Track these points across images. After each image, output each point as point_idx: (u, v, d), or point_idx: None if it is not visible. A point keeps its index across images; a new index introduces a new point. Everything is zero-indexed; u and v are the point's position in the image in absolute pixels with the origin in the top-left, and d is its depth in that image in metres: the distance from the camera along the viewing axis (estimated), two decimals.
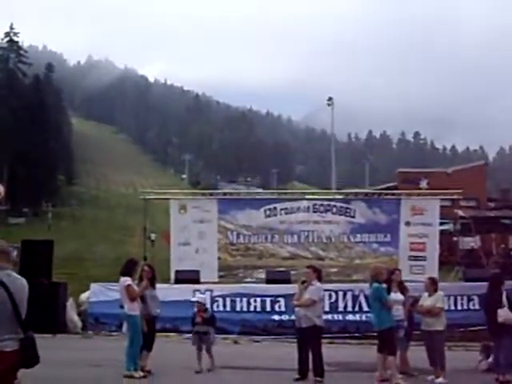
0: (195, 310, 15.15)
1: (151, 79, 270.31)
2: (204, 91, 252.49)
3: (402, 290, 14.25)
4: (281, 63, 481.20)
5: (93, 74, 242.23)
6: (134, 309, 13.36)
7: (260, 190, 51.15)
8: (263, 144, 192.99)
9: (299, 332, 13.29)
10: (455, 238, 44.98)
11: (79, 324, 22.30)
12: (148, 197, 29.53)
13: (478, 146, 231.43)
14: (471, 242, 47.76)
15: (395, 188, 52.55)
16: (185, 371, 14.38)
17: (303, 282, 13.37)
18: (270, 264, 27.48)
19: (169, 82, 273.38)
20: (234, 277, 27.61)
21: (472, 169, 67.47)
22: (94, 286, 23.44)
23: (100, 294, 22.84)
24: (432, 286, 13.84)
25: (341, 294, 22.86)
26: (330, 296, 22.28)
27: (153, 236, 66.87)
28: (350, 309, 22.86)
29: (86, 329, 22.13)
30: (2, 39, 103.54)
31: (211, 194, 30.80)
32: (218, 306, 21.99)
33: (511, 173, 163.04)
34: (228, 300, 22.66)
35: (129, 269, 13.75)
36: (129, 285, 13.41)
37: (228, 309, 22.40)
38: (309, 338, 12.97)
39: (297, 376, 13.16)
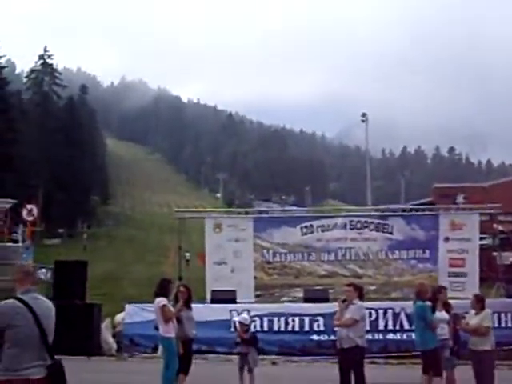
0: (238, 330, 15.04)
1: (184, 99, 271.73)
2: (237, 110, 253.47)
3: (447, 308, 13.75)
4: (313, 80, 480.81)
5: (127, 95, 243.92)
6: (169, 331, 12.89)
7: (295, 208, 50.60)
8: (297, 162, 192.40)
9: (341, 353, 12.70)
10: (494, 253, 44.41)
11: (114, 346, 21.96)
12: (183, 216, 29.25)
13: None
14: (510, 256, 47.08)
15: (431, 203, 51.99)
16: None
17: (344, 301, 12.87)
18: (307, 282, 27.13)
19: (202, 102, 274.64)
20: (271, 296, 27.28)
21: (509, 183, 66.58)
22: (128, 306, 23.07)
23: (135, 314, 22.50)
24: (478, 303, 13.33)
25: (381, 312, 22.27)
26: (370, 314, 21.54)
27: (187, 255, 66.75)
28: (390, 327, 22.29)
29: (121, 351, 21.81)
30: (37, 62, 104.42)
31: (246, 213, 30.44)
32: (255, 326, 21.33)
33: None
34: (265, 320, 22.19)
35: (163, 289, 13.24)
36: (164, 305, 12.90)
37: (265, 329, 21.89)
38: (351, 360, 12.47)
39: None
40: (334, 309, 21.69)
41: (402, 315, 21.94)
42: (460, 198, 57.36)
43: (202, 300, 24.58)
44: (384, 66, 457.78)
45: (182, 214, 29.54)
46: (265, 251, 27.55)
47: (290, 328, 22.01)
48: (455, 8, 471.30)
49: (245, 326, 14.94)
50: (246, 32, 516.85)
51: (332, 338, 21.26)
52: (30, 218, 24.63)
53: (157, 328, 13.27)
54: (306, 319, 22.11)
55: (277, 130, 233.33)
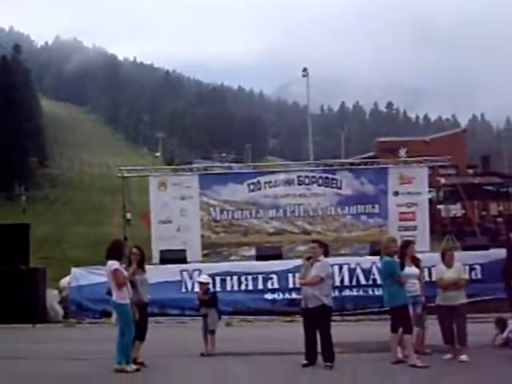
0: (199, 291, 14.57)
1: (120, 58, 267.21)
2: (174, 68, 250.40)
3: (417, 263, 13.18)
4: (251, 37, 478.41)
5: (61, 54, 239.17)
6: (123, 297, 11.96)
7: (241, 165, 50.03)
8: (236, 119, 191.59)
9: (306, 313, 12.05)
10: (439, 206, 44.53)
11: (61, 312, 21.02)
12: (126, 174, 28.33)
13: (451, 115, 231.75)
14: (454, 209, 47.31)
15: (374, 157, 51.84)
16: (181, 360, 13.31)
17: (308, 259, 12.23)
18: (255, 240, 26.78)
19: (138, 60, 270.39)
20: (219, 255, 26.83)
21: (451, 136, 67.03)
22: (74, 270, 22.09)
23: (81, 278, 21.58)
24: (452, 258, 12.89)
25: (336, 268, 21.39)
26: None
27: (128, 215, 65.88)
28: (346, 283, 21.83)
29: (68, 316, 20.91)
30: None
31: (191, 170, 29.61)
32: None
33: (485, 140, 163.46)
34: (218, 279, 21.46)
35: (116, 251, 12.27)
36: (116, 269, 11.98)
37: (218, 289, 20.92)
38: (317, 320, 11.83)
39: (305, 361, 11.98)
40: (287, 266, 21.46)
41: (358, 270, 21.44)
42: (402, 152, 57.53)
43: (149, 260, 23.88)
44: (322, 22, 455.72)
45: (125, 172, 28.45)
46: (211, 209, 27.04)
47: (243, 287, 21.35)
48: None
49: (205, 286, 14.36)
50: None
51: (287, 296, 20.91)
52: None
53: (109, 293, 12.32)
54: (260, 277, 21.49)
55: (215, 87, 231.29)
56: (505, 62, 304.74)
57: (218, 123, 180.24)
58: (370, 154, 65.14)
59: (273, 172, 28.04)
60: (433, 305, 13.15)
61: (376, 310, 19.64)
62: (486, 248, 22.65)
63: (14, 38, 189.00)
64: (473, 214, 48.89)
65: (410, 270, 12.69)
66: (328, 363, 11.71)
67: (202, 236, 26.71)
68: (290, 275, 21.14)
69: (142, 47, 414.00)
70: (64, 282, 22.38)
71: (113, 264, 12.03)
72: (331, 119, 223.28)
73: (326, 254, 12.29)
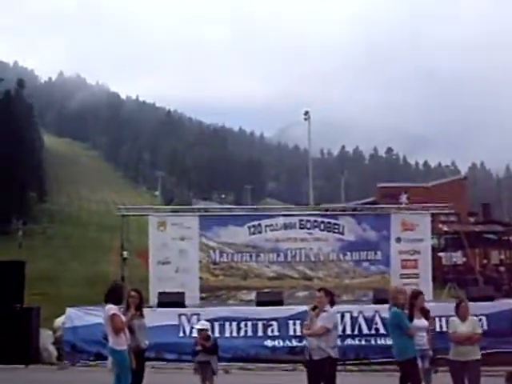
0: (197, 337, 14.03)
1: (123, 96, 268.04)
2: (176, 108, 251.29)
3: (425, 315, 12.70)
4: (253, 80, 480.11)
5: (64, 90, 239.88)
6: (120, 343, 11.41)
7: (242, 207, 49.70)
8: (236, 161, 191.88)
9: (310, 365, 11.55)
10: (440, 254, 44.10)
11: (54, 353, 20.35)
12: (126, 213, 27.95)
13: (450, 162, 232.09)
14: (454, 257, 46.83)
15: (375, 203, 51.53)
16: None
17: (314, 308, 11.78)
18: (254, 284, 26.31)
19: (141, 99, 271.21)
20: (217, 298, 26.32)
21: (451, 183, 66.84)
22: (69, 310, 21.39)
23: (76, 318, 20.95)
24: (467, 310, 12.44)
25: (338, 316, 20.81)
26: None
27: (125, 254, 65.38)
28: (348, 332, 21.20)
29: (61, 358, 20.29)
30: None
31: (192, 210, 29.20)
32: None
33: (484, 188, 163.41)
34: (216, 325, 20.72)
35: (115, 295, 11.78)
36: (114, 314, 11.46)
37: (217, 334, 20.13)
38: (322, 372, 11.34)
39: None
40: (288, 313, 20.94)
41: (361, 319, 20.85)
42: (403, 198, 57.07)
43: (146, 302, 23.42)
44: (324, 67, 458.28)
45: (124, 211, 28.08)
46: (211, 251, 26.58)
47: (242, 333, 20.72)
48: (400, 8, 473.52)
49: (205, 333, 13.88)
50: (185, 29, 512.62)
51: (287, 343, 20.35)
52: None
53: (106, 338, 11.78)
54: (260, 324, 20.88)
55: (216, 128, 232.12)
56: (506, 109, 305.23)
57: (217, 164, 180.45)
58: (371, 199, 64.78)
59: (274, 215, 27.62)
60: (440, 357, 12.70)
61: (379, 360, 19.14)
62: (491, 298, 22.10)
63: (18, 72, 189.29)
64: (474, 263, 48.50)
65: (419, 322, 12.23)
66: None
67: (201, 278, 26.26)
68: (291, 322, 20.63)
69: (145, 86, 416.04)
70: (58, 322, 21.72)
71: (110, 309, 11.52)
72: (331, 163, 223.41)
73: (332, 304, 11.85)
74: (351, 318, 21.38)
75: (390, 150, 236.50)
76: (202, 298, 25.76)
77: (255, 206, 44.14)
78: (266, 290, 24.84)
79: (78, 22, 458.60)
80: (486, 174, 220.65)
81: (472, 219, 62.09)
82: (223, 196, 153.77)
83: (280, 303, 21.44)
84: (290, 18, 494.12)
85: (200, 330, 14.14)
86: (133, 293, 12.57)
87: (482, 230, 52.01)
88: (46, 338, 20.42)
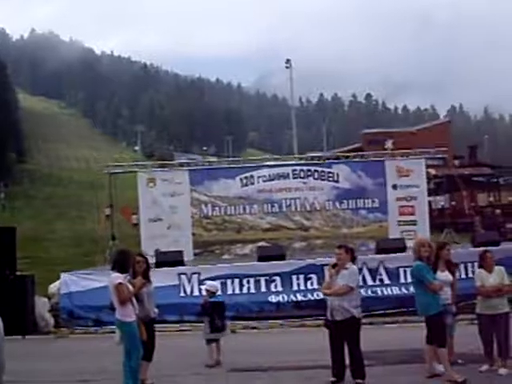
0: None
1: (98, 51, 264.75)
2: (152, 61, 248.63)
3: (451, 268, 11.92)
4: (227, 30, 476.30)
5: (37, 47, 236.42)
6: (128, 314, 10.40)
7: (232, 159, 48.94)
8: (215, 112, 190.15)
9: (333, 326, 10.76)
10: (429, 198, 43.59)
11: (51, 321, 19.38)
12: (113, 170, 27.11)
13: (429, 106, 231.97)
14: (441, 201, 46.46)
15: (360, 150, 50.86)
16: (192, 378, 12.11)
17: (334, 266, 11.00)
18: (249, 237, 25.92)
19: (116, 54, 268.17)
20: (211, 254, 25.78)
21: (436, 127, 66.22)
22: (64, 276, 20.40)
23: (72, 284, 19.94)
24: (492, 260, 11.72)
25: None
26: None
27: (107, 211, 64.54)
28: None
29: (59, 326, 19.45)
30: None
31: (181, 165, 28.30)
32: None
33: (465, 131, 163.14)
34: (218, 282, 19.97)
35: (122, 264, 10.68)
36: (120, 284, 10.39)
37: (219, 292, 19.66)
38: (346, 333, 10.58)
39: (332, 378, 10.69)
40: (291, 267, 20.24)
41: (365, 270, 20.04)
42: (389, 144, 56.56)
43: None
44: (301, 14, 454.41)
45: (112, 168, 27.24)
46: (203, 205, 25.93)
47: (245, 290, 19.91)
48: None
49: (212, 294, 13.27)
50: None
51: (292, 298, 19.64)
52: None
53: (112, 308, 10.75)
54: (262, 280, 20.11)
55: (193, 80, 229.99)
56: (484, 56, 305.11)
57: (196, 116, 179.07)
58: (356, 145, 64.17)
59: (266, 166, 26.93)
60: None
61: (386, 312, 18.53)
62: (497, 243, 21.35)
63: None
64: (463, 206, 48.12)
65: (443, 275, 11.38)
66: (359, 380, 10.50)
67: (194, 234, 25.69)
68: (295, 277, 19.89)
69: (119, 40, 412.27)
70: (53, 288, 20.74)
71: (116, 277, 10.49)
72: (310, 111, 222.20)
73: (353, 261, 11.05)
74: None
75: (369, 95, 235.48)
76: (195, 254, 25.14)
77: (244, 158, 43.22)
78: (264, 244, 24.30)
79: None
80: (465, 117, 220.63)
81: (457, 162, 61.74)
82: (205, 148, 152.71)
83: (282, 257, 20.64)
84: None
85: (206, 291, 13.51)
86: (139, 258, 11.59)
87: (472, 172, 51.62)
88: (41, 305, 19.41)
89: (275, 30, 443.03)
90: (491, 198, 51.10)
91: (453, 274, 11.77)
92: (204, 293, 14.15)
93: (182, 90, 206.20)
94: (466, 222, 37.76)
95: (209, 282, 15.08)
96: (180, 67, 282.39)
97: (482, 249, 14.10)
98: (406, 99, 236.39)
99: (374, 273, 20.01)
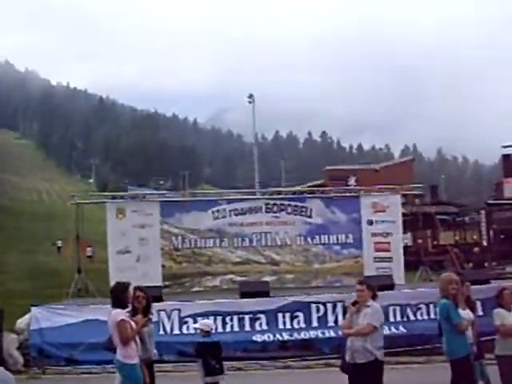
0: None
1: (53, 82, 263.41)
2: (108, 94, 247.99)
3: (471, 305, 11.30)
4: (186, 66, 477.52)
5: None
6: (131, 355, 9.43)
7: (207, 191, 48.48)
8: (170, 147, 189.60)
9: (354, 369, 9.91)
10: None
11: (20, 359, 18.14)
12: (80, 201, 26.45)
13: (384, 145, 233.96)
14: (404, 239, 46.25)
15: (323, 186, 50.64)
16: None
17: (354, 304, 10.28)
18: (219, 270, 25.36)
19: (72, 86, 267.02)
20: (180, 286, 25.18)
21: (400, 165, 66.58)
22: (34, 310, 19.07)
23: (43, 319, 18.74)
24: (510, 298, 11.11)
25: (329, 306, 19.05)
26: (318, 309, 19.00)
27: (59, 243, 63.28)
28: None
29: (28, 365, 18.16)
30: None
31: (144, 197, 27.49)
32: (188, 329, 18.46)
33: (419, 171, 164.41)
34: (199, 320, 18.70)
35: (121, 297, 9.78)
36: (122, 320, 9.45)
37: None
38: (368, 377, 9.75)
39: None
40: (277, 304, 19.38)
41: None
42: (352, 181, 56.64)
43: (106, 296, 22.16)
44: (256, 53, 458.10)
45: (78, 199, 26.66)
46: (173, 237, 25.36)
47: (228, 328, 18.92)
48: None
49: (206, 334, 12.36)
50: (120, 15, 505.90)
51: (278, 337, 18.72)
52: None
53: (109, 348, 9.86)
54: (246, 317, 19.13)
55: (149, 114, 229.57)
56: (438, 98, 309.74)
57: (152, 151, 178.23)
58: (318, 182, 64.05)
59: (239, 199, 26.41)
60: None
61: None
62: (487, 281, 20.78)
63: None
64: (426, 244, 48.13)
65: (465, 313, 10.71)
66: None
67: (163, 266, 25.02)
68: (280, 315, 19.03)
69: (76, 72, 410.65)
70: (21, 323, 19.39)
71: (118, 314, 9.55)
72: (266, 148, 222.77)
73: (374, 298, 10.30)
74: (343, 307, 19.41)
75: (324, 133, 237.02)
76: (165, 287, 24.32)
77: (218, 191, 42.55)
78: (245, 279, 23.93)
79: (5, 6, 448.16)
80: (419, 157, 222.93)
81: (417, 201, 61.82)
82: (161, 182, 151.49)
83: (266, 294, 19.74)
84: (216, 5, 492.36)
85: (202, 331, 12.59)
86: (138, 293, 10.59)
87: (437, 211, 51.68)
88: (10, 342, 18.05)
89: (232, 69, 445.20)
90: (457, 237, 51.13)
91: (473, 311, 11.19)
92: (198, 331, 13.04)
93: (137, 123, 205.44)
94: (432, 261, 37.63)
95: (202, 321, 14.01)
96: (136, 101, 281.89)
97: (498, 286, 13.58)
98: (360, 138, 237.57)
99: None
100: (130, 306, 9.98)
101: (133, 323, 9.67)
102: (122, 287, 9.97)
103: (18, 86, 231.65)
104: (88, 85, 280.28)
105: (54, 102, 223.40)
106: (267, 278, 24.80)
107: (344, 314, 18.53)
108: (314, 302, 18.90)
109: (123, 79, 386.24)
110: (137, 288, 10.58)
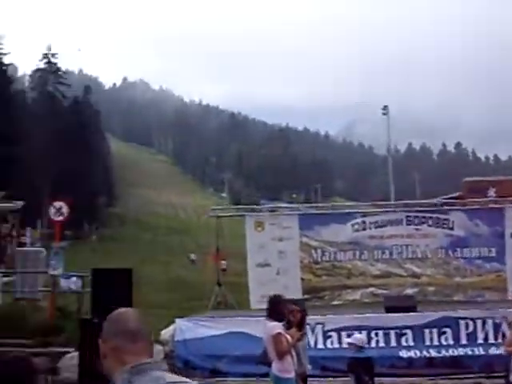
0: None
1: (186, 99, 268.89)
2: (240, 110, 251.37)
3: None
4: (311, 80, 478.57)
5: (129, 95, 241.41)
6: (287, 369, 9.41)
7: (344, 204, 48.32)
8: (301, 160, 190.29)
9: None
10: None
11: None
12: (220, 214, 26.72)
13: None
14: None
15: (461, 198, 49.33)
16: None
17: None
18: (359, 283, 24.78)
19: (204, 102, 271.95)
20: (320, 299, 24.74)
21: None
22: (179, 321, 19.45)
23: (187, 331, 19.07)
24: None
25: (479, 322, 18.53)
26: (467, 326, 18.51)
27: (192, 256, 64.43)
28: (492, 341, 18.31)
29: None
30: (40, 60, 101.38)
31: (292, 209, 27.64)
32: (332, 343, 18.43)
33: None
34: (344, 334, 18.34)
35: (277, 309, 9.81)
36: (279, 333, 9.49)
37: (345, 345, 16.94)
38: None
39: None
40: (424, 320, 18.87)
41: (504, 326, 18.29)
42: (491, 192, 54.99)
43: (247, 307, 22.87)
44: (384, 64, 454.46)
45: (219, 212, 26.93)
46: (312, 250, 24.97)
47: (373, 344, 18.61)
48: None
49: (358, 349, 12.14)
50: (249, 31, 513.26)
51: (425, 353, 18.22)
52: (60, 218, 21.02)
53: (262, 362, 9.95)
54: (392, 333, 18.83)
55: (280, 128, 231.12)
56: None
57: (283, 165, 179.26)
58: (456, 194, 62.49)
59: (380, 212, 26.00)
60: None
61: None
62: None
63: (83, 80, 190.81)
64: None
65: None
66: None
67: (302, 279, 24.75)
68: (427, 331, 18.55)
69: (208, 89, 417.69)
70: (165, 334, 19.77)
71: (274, 327, 9.61)
72: (399, 160, 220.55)
73: None
74: (494, 324, 18.85)
75: (458, 144, 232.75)
76: (305, 300, 24.22)
77: (359, 204, 42.00)
78: (389, 293, 23.45)
79: (138, 28, 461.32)
80: None
81: None
82: (294, 196, 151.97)
83: (413, 309, 19.29)
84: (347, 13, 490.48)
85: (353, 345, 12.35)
86: (293, 307, 10.73)
87: None
88: (156, 353, 18.45)
89: (362, 82, 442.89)
90: None
91: None
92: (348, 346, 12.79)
93: (269, 138, 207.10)
94: None
95: (355, 335, 13.76)
96: (268, 116, 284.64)
97: None
98: (495, 149, 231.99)
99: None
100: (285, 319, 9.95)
101: (288, 337, 9.62)
102: (279, 299, 10.02)
103: (154, 103, 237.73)
104: (220, 101, 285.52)
105: (188, 118, 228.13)
106: (409, 291, 24.36)
107: (495, 331, 18.32)
108: (463, 318, 18.31)
109: (254, 94, 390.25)
110: (292, 302, 10.60)
